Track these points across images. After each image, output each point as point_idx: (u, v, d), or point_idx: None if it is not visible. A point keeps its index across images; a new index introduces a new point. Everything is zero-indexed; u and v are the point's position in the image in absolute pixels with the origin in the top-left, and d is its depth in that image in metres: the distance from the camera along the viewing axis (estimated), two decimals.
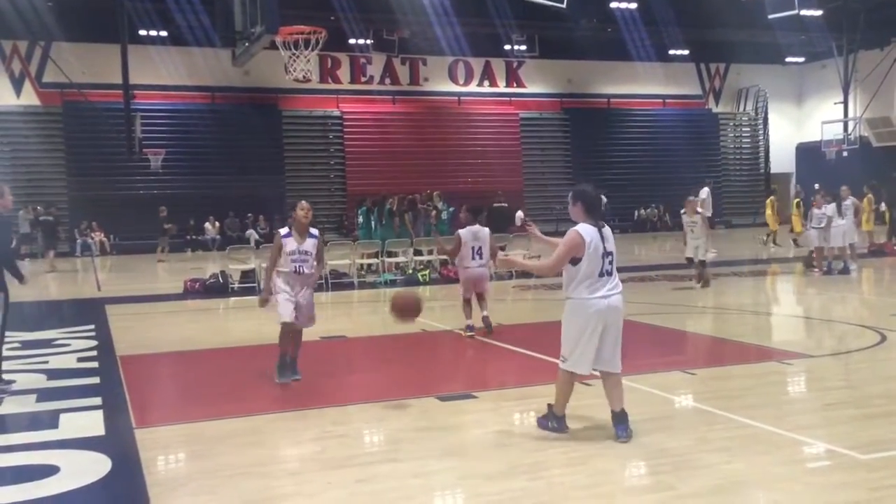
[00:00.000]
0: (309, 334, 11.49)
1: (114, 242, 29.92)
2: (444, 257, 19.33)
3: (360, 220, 20.42)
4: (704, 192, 27.24)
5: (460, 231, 11.08)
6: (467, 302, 11.02)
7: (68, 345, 10.79)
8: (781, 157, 40.73)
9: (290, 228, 8.40)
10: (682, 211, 15.86)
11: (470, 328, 10.82)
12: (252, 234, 30.67)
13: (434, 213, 20.81)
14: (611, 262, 6.02)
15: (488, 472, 5.45)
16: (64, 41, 29.67)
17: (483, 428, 6.55)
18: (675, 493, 5.02)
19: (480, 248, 10.93)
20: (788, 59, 39.29)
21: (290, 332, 8.36)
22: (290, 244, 8.22)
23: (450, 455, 5.86)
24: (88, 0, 27.65)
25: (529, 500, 4.97)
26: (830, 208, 16.91)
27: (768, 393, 7.55)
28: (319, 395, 7.87)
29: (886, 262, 19.69)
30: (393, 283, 17.61)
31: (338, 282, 17.47)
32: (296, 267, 8.18)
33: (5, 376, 8.42)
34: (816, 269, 17.05)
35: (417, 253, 19.14)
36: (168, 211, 27.64)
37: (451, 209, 21.20)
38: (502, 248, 20.08)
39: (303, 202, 8.37)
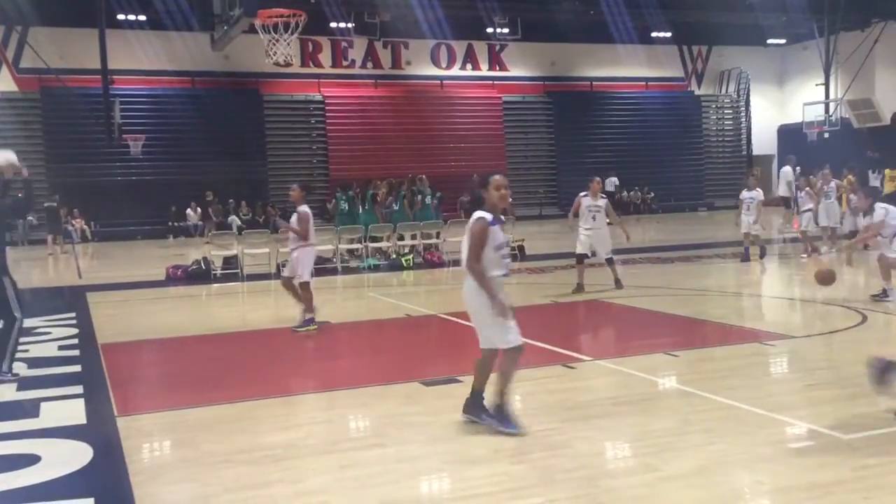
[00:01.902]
0: (293, 320, 11.47)
1: (94, 229, 29.67)
2: (429, 241, 19.38)
3: (345, 205, 20.31)
4: (787, 171, 25.69)
5: (306, 208, 10.52)
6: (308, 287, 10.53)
7: (49, 333, 10.69)
8: (763, 139, 40.88)
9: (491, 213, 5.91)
10: (583, 193, 13.17)
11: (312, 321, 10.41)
12: (234, 219, 30.53)
13: (419, 197, 20.64)
14: None
15: (473, 456, 5.45)
16: (41, 26, 29.26)
17: None
18: (659, 474, 5.03)
19: None
20: (770, 41, 39.34)
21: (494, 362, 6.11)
22: (499, 235, 5.90)
23: (434, 440, 5.85)
24: None
25: (513, 483, 4.97)
26: (756, 193, 16.71)
27: (751, 374, 7.59)
28: (303, 382, 7.85)
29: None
30: (376, 268, 17.58)
31: (321, 267, 17.39)
32: (506, 266, 5.98)
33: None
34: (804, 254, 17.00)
35: (401, 238, 19.10)
36: (150, 196, 27.51)
37: (437, 195, 20.95)
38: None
39: (497, 177, 5.97)
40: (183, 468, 5.52)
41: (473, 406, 6.07)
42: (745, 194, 16.71)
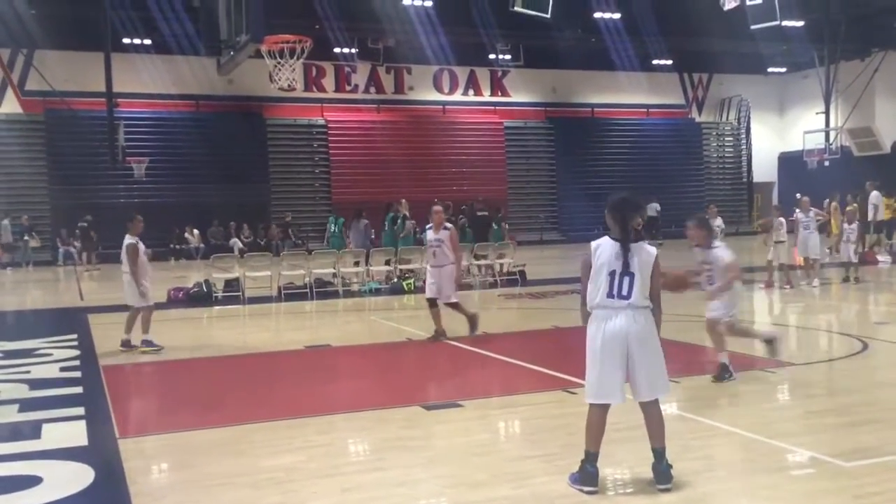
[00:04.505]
0: (294, 343, 11.50)
1: (97, 251, 29.68)
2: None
3: (333, 228, 20.36)
4: (875, 196, 23.37)
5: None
6: None
7: (50, 354, 10.71)
8: (764, 167, 41.06)
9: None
10: (428, 226, 11.37)
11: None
12: (236, 242, 30.58)
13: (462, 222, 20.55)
14: None
15: (473, 480, 5.46)
16: (47, 49, 29.50)
17: (468, 436, 6.55)
18: (658, 500, 5.04)
19: None
20: (770, 70, 39.61)
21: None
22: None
23: (435, 464, 5.85)
24: (72, 8, 27.49)
25: None
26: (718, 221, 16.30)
27: (752, 401, 7.59)
28: (304, 405, 7.85)
29: (868, 271, 19.78)
30: (377, 292, 17.59)
31: (322, 290, 17.43)
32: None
33: None
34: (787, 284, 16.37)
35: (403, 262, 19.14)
36: (152, 219, 27.33)
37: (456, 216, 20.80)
38: (483, 257, 19.99)
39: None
40: (184, 490, 5.52)
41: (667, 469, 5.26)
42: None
